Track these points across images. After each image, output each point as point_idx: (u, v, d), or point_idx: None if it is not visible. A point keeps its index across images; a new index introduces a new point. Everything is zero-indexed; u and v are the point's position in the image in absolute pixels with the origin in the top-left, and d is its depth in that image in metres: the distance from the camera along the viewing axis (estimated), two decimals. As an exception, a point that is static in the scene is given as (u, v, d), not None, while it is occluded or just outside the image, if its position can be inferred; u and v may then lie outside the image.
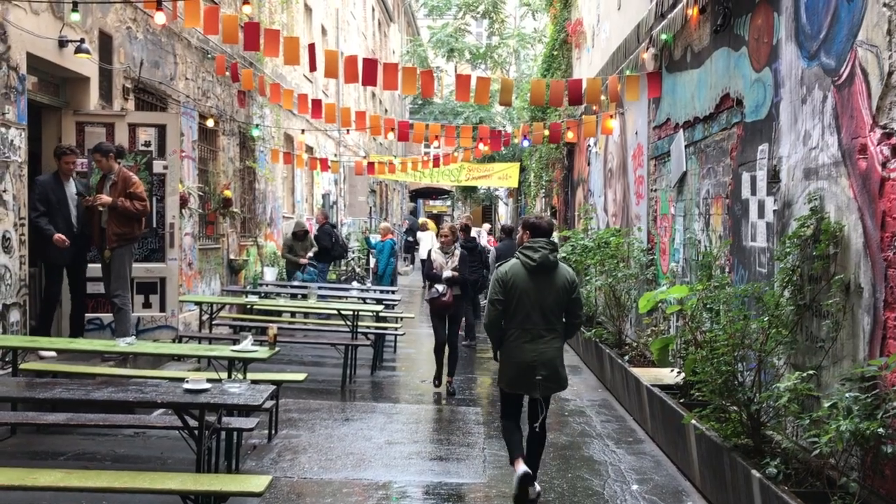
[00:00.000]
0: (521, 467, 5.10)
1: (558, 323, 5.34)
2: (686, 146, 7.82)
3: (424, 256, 15.36)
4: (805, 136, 5.10)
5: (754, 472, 4.47)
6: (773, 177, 5.59)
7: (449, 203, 43.53)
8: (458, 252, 8.67)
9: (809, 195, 4.94)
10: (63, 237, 7.10)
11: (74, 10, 7.26)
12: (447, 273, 8.49)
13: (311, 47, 8.30)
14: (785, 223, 5.36)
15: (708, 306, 5.54)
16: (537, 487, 5.22)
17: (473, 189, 33.36)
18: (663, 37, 8.25)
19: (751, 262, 6.02)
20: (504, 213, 36.67)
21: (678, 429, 5.92)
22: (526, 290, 5.23)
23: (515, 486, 5.10)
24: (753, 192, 5.99)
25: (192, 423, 4.50)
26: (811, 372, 4.59)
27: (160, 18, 7.54)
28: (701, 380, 5.28)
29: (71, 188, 7.44)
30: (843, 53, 4.61)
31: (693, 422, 5.44)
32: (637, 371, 7.63)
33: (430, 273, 8.66)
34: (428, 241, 18.78)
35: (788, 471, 4.45)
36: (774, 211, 5.58)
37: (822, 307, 4.79)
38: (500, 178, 21.95)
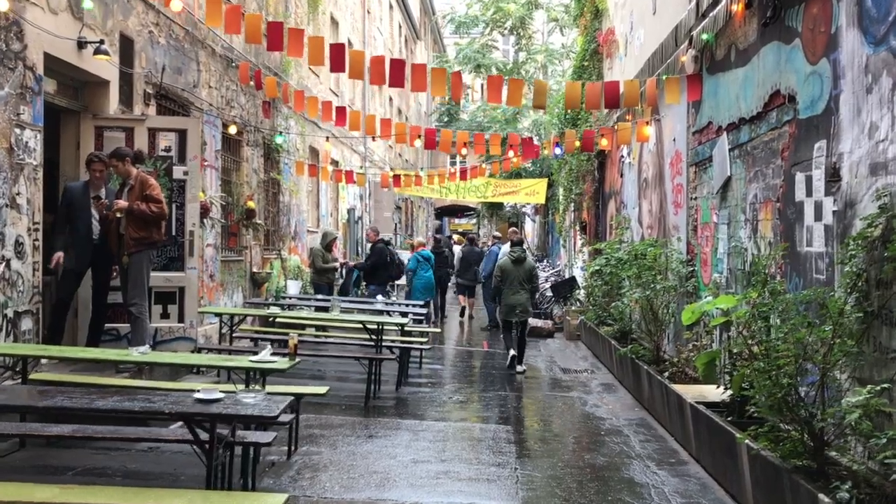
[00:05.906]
0: (512, 351, 10.74)
1: (528, 286, 10.84)
2: (730, 150, 7.40)
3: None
4: (871, 128, 4.68)
5: (822, 496, 4.02)
6: (833, 175, 5.16)
7: (475, 220, 43.28)
8: None
9: (878, 192, 4.51)
10: (57, 257, 6.89)
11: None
12: None
13: (335, 47, 7.97)
14: (847, 224, 4.92)
15: (763, 315, 5.07)
16: (522, 367, 10.65)
17: (500, 206, 33.04)
18: (704, 37, 7.86)
19: (806, 268, 5.57)
20: (531, 230, 36.25)
21: (727, 449, 5.47)
22: (511, 271, 10.79)
23: (508, 361, 10.75)
24: (809, 194, 5.56)
25: (204, 435, 4.15)
26: (886, 385, 4.13)
27: (176, 6, 7.27)
28: (753, 395, 4.85)
29: (98, 195, 7.22)
30: (916, 35, 4.20)
31: (747, 441, 4.99)
32: (679, 388, 7.16)
33: None
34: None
35: (861, 496, 3.99)
36: (834, 212, 5.14)
37: (892, 314, 4.34)
38: (528, 193, 21.57)
